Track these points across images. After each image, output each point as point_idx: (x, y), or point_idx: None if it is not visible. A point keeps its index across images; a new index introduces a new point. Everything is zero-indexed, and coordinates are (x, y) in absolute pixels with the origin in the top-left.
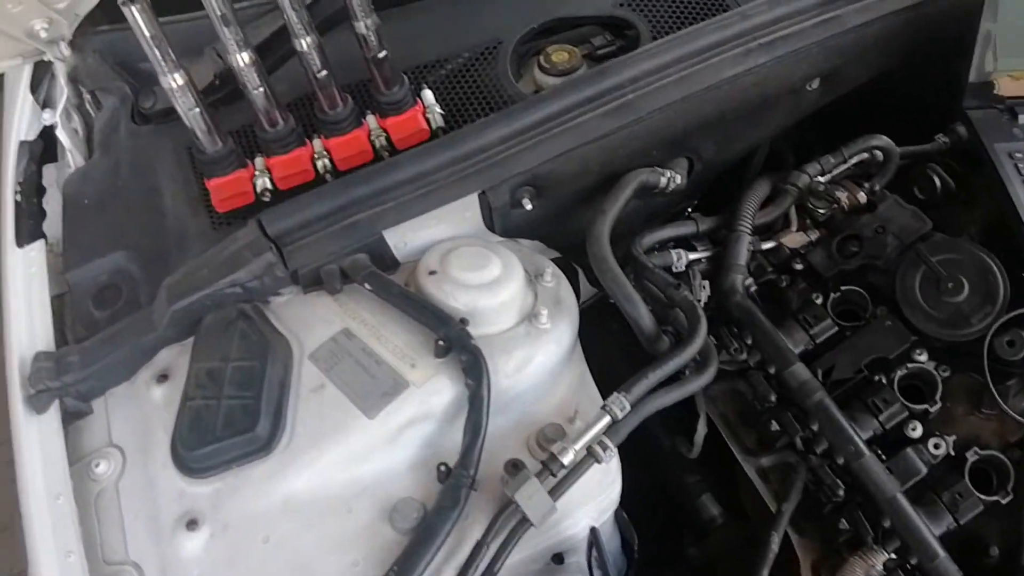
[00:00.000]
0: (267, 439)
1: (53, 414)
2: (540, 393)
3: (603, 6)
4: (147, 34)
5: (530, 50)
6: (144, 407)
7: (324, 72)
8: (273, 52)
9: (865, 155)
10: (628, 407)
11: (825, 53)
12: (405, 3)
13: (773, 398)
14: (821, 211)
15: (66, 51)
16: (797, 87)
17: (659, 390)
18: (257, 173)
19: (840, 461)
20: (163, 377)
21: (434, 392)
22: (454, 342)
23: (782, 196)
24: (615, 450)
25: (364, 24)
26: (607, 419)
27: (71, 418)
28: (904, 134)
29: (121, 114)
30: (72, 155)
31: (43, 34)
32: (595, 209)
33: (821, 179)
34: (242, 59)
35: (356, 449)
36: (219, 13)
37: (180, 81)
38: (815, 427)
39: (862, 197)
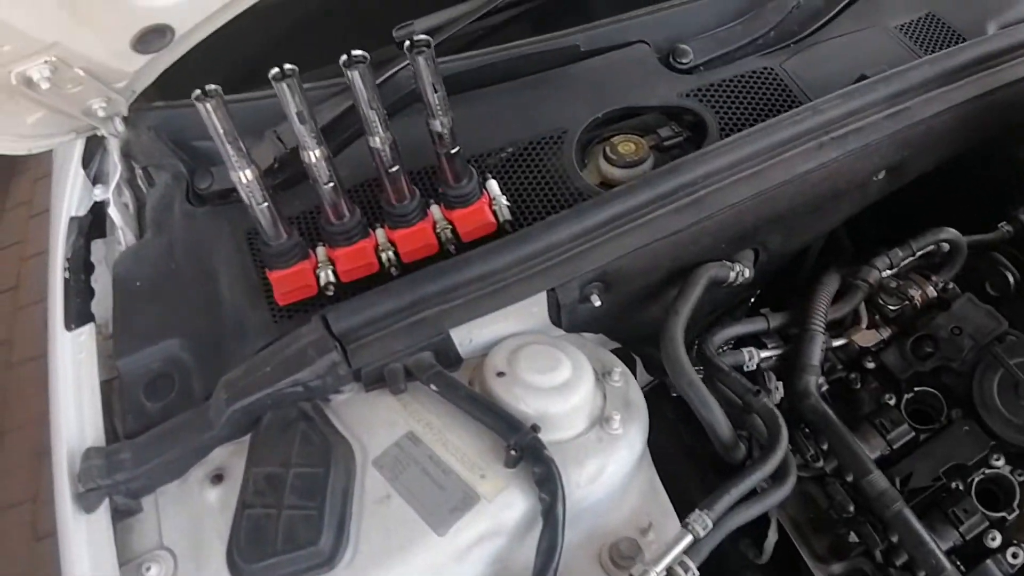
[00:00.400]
0: (330, 554)
1: (103, 513)
2: (611, 503)
3: (669, 96)
4: (220, 131)
5: (594, 138)
6: (197, 509)
7: (396, 168)
8: (338, 135)
9: (931, 247)
10: (711, 525)
11: (895, 146)
12: (465, 91)
13: (852, 508)
14: (892, 308)
15: (120, 127)
16: (866, 179)
17: (740, 505)
18: (320, 265)
19: (921, 575)
20: (218, 478)
21: (506, 506)
22: (526, 451)
23: (852, 292)
24: (696, 572)
25: (440, 123)
26: (689, 538)
27: (120, 516)
28: (962, 221)
29: (175, 192)
30: (124, 232)
31: (100, 112)
32: (669, 309)
33: (890, 274)
34: (315, 155)
35: (423, 567)
36: (296, 110)
37: (250, 176)
38: (894, 539)
39: (931, 292)
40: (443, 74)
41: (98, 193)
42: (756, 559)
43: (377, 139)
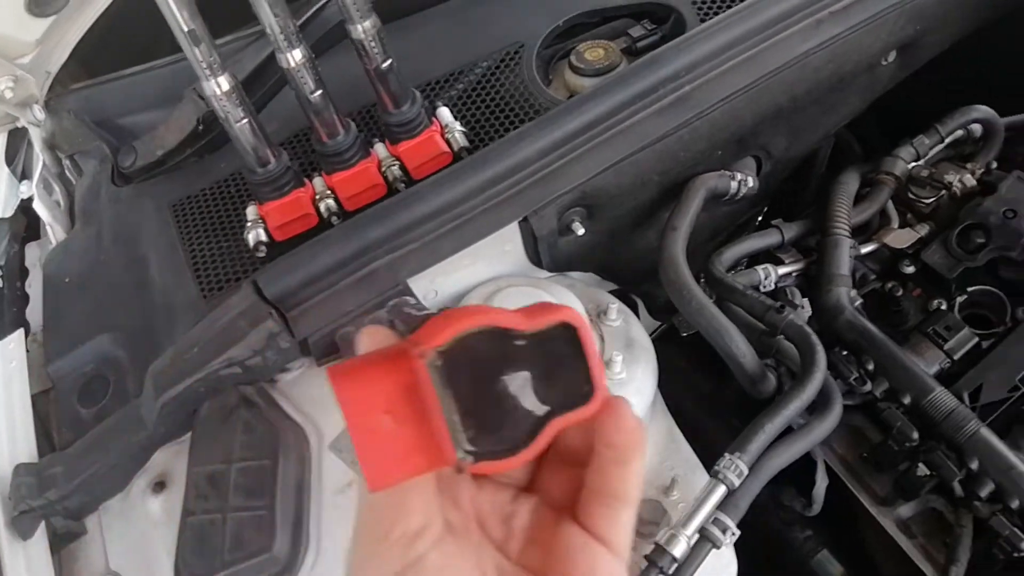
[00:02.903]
0: (287, 560)
1: (40, 538)
2: None
3: None
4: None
5: (558, 52)
6: (142, 523)
7: (318, 92)
8: (262, 83)
9: (960, 132)
10: (745, 471)
11: (905, 18)
12: (406, 15)
13: (915, 435)
14: (926, 201)
15: (40, 114)
16: (874, 61)
17: (778, 444)
18: (250, 224)
19: (1014, 504)
20: (160, 485)
21: None
22: None
23: (877, 189)
24: (736, 531)
25: (361, 27)
26: (722, 489)
27: (62, 541)
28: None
29: (102, 177)
30: (52, 229)
31: (8, 94)
32: (664, 227)
33: (920, 164)
34: (218, 85)
35: None
36: (186, 29)
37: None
38: (973, 465)
39: (969, 180)
40: None
41: (23, 190)
42: (805, 511)
43: (290, 57)
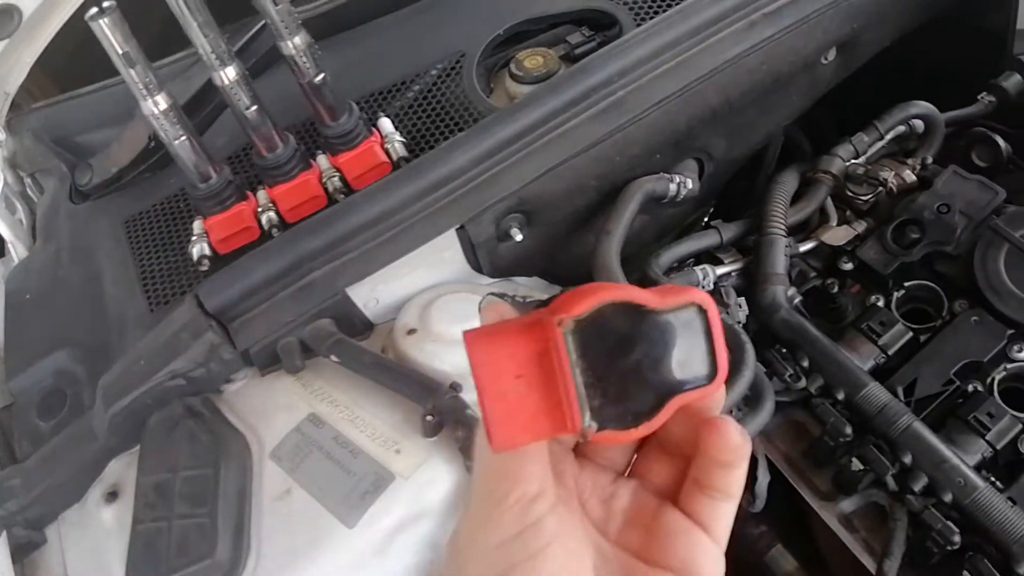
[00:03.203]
0: (229, 565)
1: (3, 548)
2: None
3: (575, 1)
4: (119, 51)
5: (499, 61)
6: (96, 533)
7: (254, 108)
8: (210, 99)
9: (902, 128)
10: None
11: (842, 17)
12: (351, 27)
13: (848, 431)
14: (863, 198)
15: (1, 135)
16: (811, 61)
17: None
18: (195, 238)
19: (947, 498)
20: (112, 495)
21: (427, 483)
22: (446, 415)
23: (815, 187)
24: None
25: (291, 44)
26: None
27: (24, 551)
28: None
29: (61, 195)
30: (14, 247)
31: None
32: (599, 231)
33: (857, 162)
34: (155, 104)
35: (341, 566)
36: (120, 51)
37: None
38: (907, 459)
39: (909, 176)
40: (317, 12)
41: None
42: (749, 507)
43: (223, 75)
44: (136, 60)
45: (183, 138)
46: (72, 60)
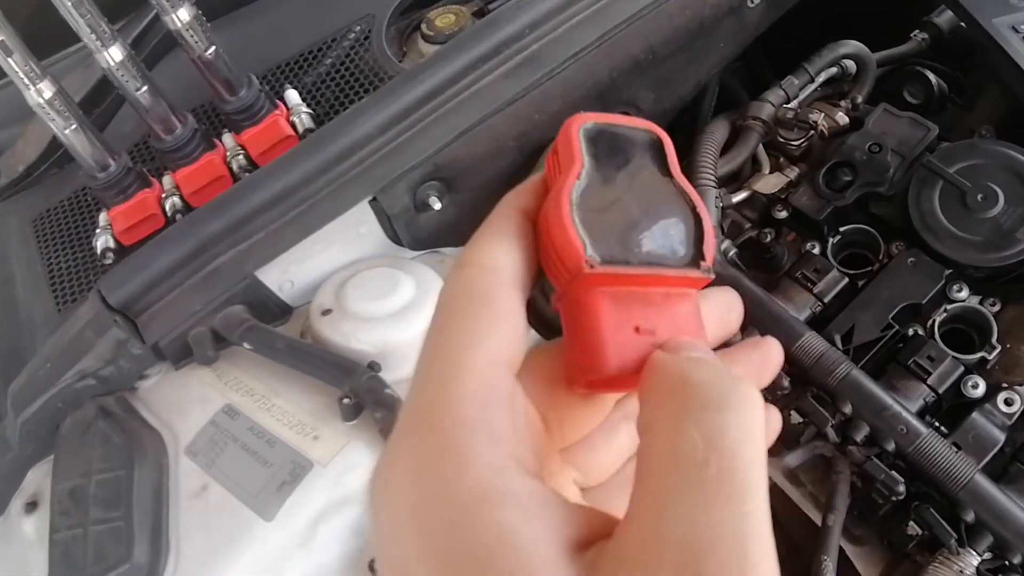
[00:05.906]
0: (149, 567)
1: None
2: None
3: None
4: None
5: (412, 23)
6: (20, 545)
7: (144, 89)
8: (109, 92)
9: (834, 70)
10: None
11: None
12: (249, 2)
13: (787, 383)
14: (795, 143)
15: None
16: (736, 4)
17: None
18: (99, 231)
19: (890, 447)
20: (32, 505)
21: (348, 468)
22: (365, 396)
23: (745, 135)
24: None
25: (175, 18)
26: None
27: None
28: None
29: None
30: None
31: None
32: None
33: (788, 106)
34: (38, 93)
35: (264, 561)
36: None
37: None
38: (846, 409)
39: (841, 117)
40: None
41: None
42: None
43: (107, 57)
44: (13, 48)
45: (73, 127)
46: None
